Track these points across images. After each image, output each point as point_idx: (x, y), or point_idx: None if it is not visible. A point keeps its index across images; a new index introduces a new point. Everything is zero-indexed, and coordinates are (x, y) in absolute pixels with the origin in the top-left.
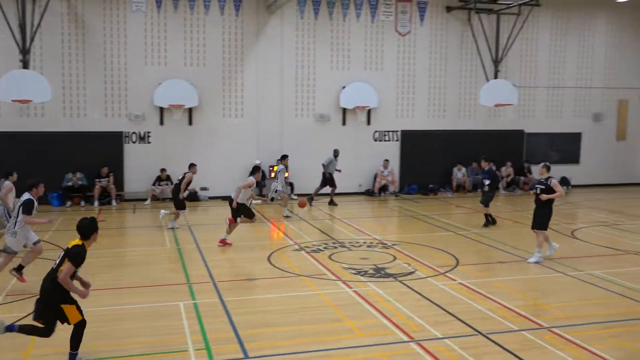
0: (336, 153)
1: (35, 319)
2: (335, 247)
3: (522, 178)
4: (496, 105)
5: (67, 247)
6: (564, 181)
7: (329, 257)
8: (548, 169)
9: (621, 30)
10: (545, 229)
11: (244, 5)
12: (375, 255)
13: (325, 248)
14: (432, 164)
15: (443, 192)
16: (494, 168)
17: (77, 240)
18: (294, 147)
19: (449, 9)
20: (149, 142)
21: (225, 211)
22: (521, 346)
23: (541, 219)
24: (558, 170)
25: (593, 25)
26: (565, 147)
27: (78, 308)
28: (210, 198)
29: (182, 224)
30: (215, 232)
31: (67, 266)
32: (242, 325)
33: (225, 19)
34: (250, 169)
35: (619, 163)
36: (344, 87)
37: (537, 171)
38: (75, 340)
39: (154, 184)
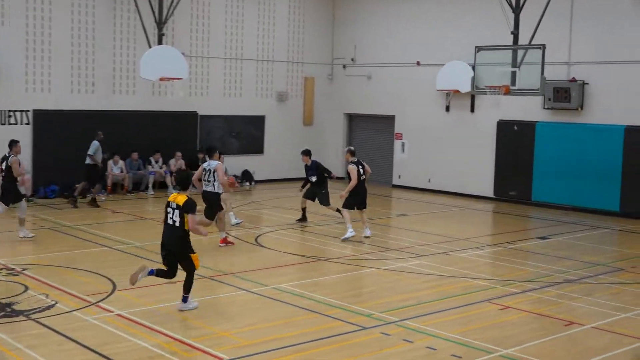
0: (101, 136)
1: (164, 264)
2: None
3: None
4: (161, 79)
5: (177, 205)
6: (247, 175)
7: None
8: (352, 153)
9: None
10: (347, 208)
11: None
12: None
13: None
14: (79, 157)
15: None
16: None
17: (180, 195)
18: None
19: None
20: None
21: None
22: None
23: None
24: (240, 162)
25: None
26: (247, 134)
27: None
28: None
29: None
30: None
31: (191, 218)
32: None
33: None
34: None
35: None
36: None
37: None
38: (190, 284)
39: None
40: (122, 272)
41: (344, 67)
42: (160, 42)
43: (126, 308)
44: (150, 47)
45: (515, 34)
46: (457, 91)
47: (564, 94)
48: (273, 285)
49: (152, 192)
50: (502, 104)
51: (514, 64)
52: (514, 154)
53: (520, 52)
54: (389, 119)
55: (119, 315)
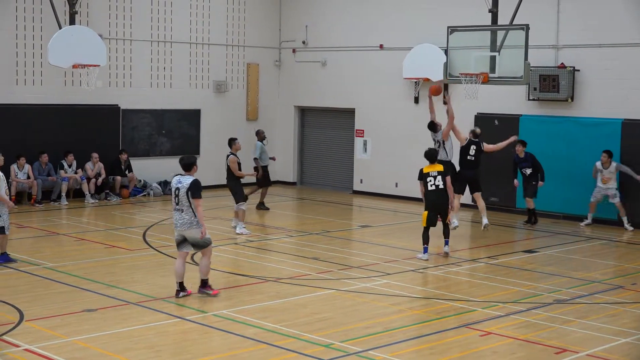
0: (263, 135)
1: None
2: None
3: (120, 178)
4: (74, 67)
5: (438, 172)
6: None
7: None
8: (474, 134)
9: None
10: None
11: None
12: None
13: None
14: None
15: None
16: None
17: (436, 165)
18: None
19: None
20: None
21: None
22: None
23: None
24: (171, 166)
25: None
26: (180, 131)
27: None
28: None
29: None
30: None
31: (448, 179)
32: None
33: None
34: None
35: (252, 153)
36: None
37: (140, 166)
38: (449, 231)
39: None
40: (31, 299)
41: (294, 51)
42: (72, 22)
43: (36, 342)
44: (60, 28)
45: (494, 12)
46: (428, 80)
47: (551, 83)
48: (213, 311)
49: (66, 202)
50: (480, 95)
51: (493, 47)
52: (494, 153)
53: (500, 34)
54: (348, 113)
55: (27, 350)
